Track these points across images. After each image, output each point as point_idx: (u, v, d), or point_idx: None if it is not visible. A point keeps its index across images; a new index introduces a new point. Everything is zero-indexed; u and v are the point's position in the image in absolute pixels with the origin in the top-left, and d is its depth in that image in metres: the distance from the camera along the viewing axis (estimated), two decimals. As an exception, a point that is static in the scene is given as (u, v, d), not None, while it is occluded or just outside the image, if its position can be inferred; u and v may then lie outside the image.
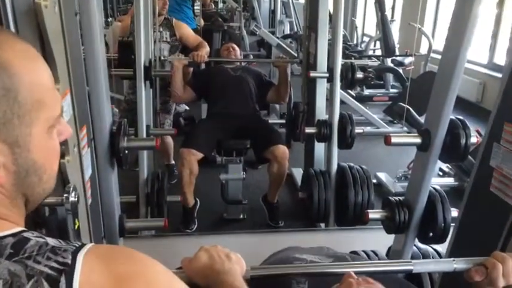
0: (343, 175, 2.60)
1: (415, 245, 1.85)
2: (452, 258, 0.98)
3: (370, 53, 6.20)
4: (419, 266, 1.06)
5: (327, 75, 2.70)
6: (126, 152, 1.91)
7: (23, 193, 0.57)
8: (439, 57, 1.65)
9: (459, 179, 3.39)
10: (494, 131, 1.33)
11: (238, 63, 3.36)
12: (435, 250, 1.90)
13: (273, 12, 8.28)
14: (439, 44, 3.37)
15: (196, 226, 2.90)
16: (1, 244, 0.50)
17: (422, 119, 2.63)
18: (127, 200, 2.49)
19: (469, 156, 1.79)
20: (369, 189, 2.55)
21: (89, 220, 1.30)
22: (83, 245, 0.53)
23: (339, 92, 2.67)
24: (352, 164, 2.67)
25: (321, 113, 2.98)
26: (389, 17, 5.90)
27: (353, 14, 9.13)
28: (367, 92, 5.40)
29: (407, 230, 1.75)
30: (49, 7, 0.97)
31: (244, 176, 2.95)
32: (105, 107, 1.77)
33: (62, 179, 1.08)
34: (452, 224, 1.65)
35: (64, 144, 1.07)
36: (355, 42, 7.78)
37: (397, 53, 5.68)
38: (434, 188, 1.75)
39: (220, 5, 8.92)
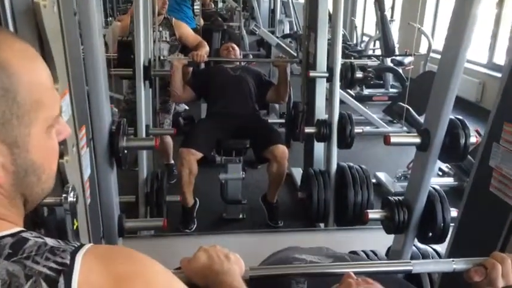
0: (343, 175, 2.60)
1: (414, 245, 1.85)
2: (451, 259, 0.98)
3: (370, 52, 6.20)
4: (419, 267, 1.06)
5: (327, 74, 2.70)
6: (126, 151, 1.90)
7: (22, 193, 0.57)
8: (439, 57, 1.65)
9: (459, 179, 3.39)
10: (493, 130, 1.33)
11: (238, 63, 3.36)
12: (435, 250, 1.90)
13: (272, 11, 8.28)
14: (439, 43, 3.38)
15: (195, 226, 2.90)
16: (0, 244, 0.50)
17: (421, 119, 2.63)
18: (126, 199, 2.49)
19: (469, 156, 1.79)
20: (369, 189, 2.55)
21: (88, 220, 1.30)
22: (81, 245, 0.53)
23: (338, 92, 2.67)
24: (351, 164, 2.67)
25: (320, 112, 2.98)
26: (388, 17, 5.89)
27: (352, 14, 9.12)
28: (366, 91, 5.40)
29: (407, 230, 1.75)
30: (48, 7, 0.97)
31: (243, 175, 2.95)
32: (104, 106, 1.77)
33: (61, 179, 1.08)
34: (451, 224, 1.65)
35: (63, 144, 1.07)
36: (354, 41, 7.77)
37: (397, 52, 5.68)
38: (433, 188, 1.75)
39: (220, 5, 8.93)
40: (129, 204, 2.51)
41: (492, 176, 1.31)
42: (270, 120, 3.90)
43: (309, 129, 2.73)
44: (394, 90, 5.50)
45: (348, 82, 2.66)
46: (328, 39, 2.84)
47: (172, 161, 3.52)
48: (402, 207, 1.74)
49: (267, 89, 3.14)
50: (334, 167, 2.66)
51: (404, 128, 3.85)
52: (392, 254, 1.90)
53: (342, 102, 3.21)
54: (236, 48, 3.44)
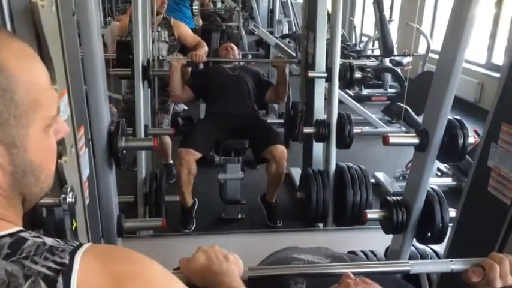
0: (342, 175, 2.60)
1: (413, 245, 1.85)
2: (449, 259, 0.98)
3: (369, 52, 6.20)
4: (417, 267, 1.06)
5: (325, 75, 2.70)
6: (124, 152, 1.90)
7: (20, 193, 0.56)
8: (437, 57, 1.65)
9: (457, 179, 3.40)
10: (492, 131, 1.33)
11: (237, 63, 3.36)
12: (433, 250, 1.90)
13: (271, 11, 8.28)
14: (438, 44, 3.38)
15: (194, 226, 2.90)
16: None
17: (420, 119, 2.63)
18: (125, 200, 2.49)
19: (467, 156, 1.80)
20: (367, 189, 2.55)
21: (87, 220, 1.30)
22: (80, 245, 0.52)
23: (337, 92, 2.67)
24: (350, 164, 2.67)
25: (319, 112, 2.99)
26: (387, 17, 5.90)
27: (351, 14, 9.13)
28: (365, 91, 5.41)
29: (406, 230, 1.75)
30: (46, 7, 0.97)
31: (242, 175, 2.95)
32: (103, 106, 1.77)
33: (59, 180, 1.08)
34: (450, 224, 1.65)
35: (61, 144, 1.07)
36: (353, 42, 7.78)
37: (396, 53, 5.69)
38: (432, 188, 1.75)
39: (219, 5, 8.93)
40: (128, 204, 2.51)
41: (490, 176, 1.31)
42: (269, 121, 3.90)
43: (307, 130, 2.73)
44: (393, 91, 5.51)
45: (347, 82, 2.67)
46: (327, 40, 2.84)
47: (171, 161, 3.52)
48: (401, 207, 1.74)
49: (266, 89, 3.14)
50: (333, 167, 2.67)
51: (403, 128, 3.85)
52: (390, 254, 1.90)
53: (340, 102, 3.21)
54: (235, 48, 3.44)
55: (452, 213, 1.69)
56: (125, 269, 0.52)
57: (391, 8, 7.38)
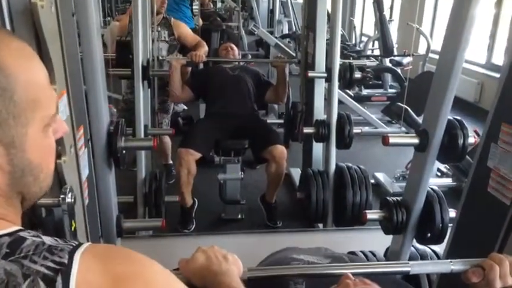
0: (341, 175, 2.60)
1: (413, 246, 1.85)
2: (449, 260, 0.98)
3: (369, 53, 6.20)
4: (417, 268, 1.06)
5: (325, 75, 2.70)
6: (124, 152, 1.90)
7: (19, 192, 0.56)
8: (437, 57, 1.65)
9: (457, 180, 3.40)
10: (491, 131, 1.33)
11: (237, 63, 3.36)
12: (433, 251, 1.90)
13: (271, 12, 8.28)
14: (438, 44, 3.38)
15: (194, 226, 2.90)
16: None
17: (420, 119, 2.63)
18: (125, 200, 2.49)
19: (467, 157, 1.79)
20: (367, 189, 2.55)
21: (86, 221, 1.30)
22: (80, 244, 0.52)
23: (337, 92, 2.67)
24: (350, 164, 2.67)
25: (319, 113, 2.99)
26: (387, 17, 5.90)
27: (351, 14, 9.13)
28: (365, 92, 5.41)
29: (405, 231, 1.75)
30: (45, 7, 0.96)
31: (242, 176, 2.95)
32: (102, 106, 1.76)
33: (59, 180, 1.08)
34: (450, 225, 1.65)
35: (61, 144, 1.07)
36: (353, 42, 7.78)
37: (396, 53, 5.69)
38: (432, 189, 1.75)
39: (219, 5, 8.93)
40: (127, 205, 2.51)
41: (490, 176, 1.31)
42: (268, 121, 3.90)
43: (307, 130, 2.73)
44: (393, 91, 5.51)
45: (347, 82, 2.66)
46: (327, 40, 2.84)
47: (171, 161, 3.52)
48: (401, 207, 1.74)
49: (266, 89, 3.14)
50: (332, 167, 2.66)
51: (403, 129, 3.85)
52: (390, 254, 1.90)
53: (340, 102, 3.21)
54: (235, 48, 3.44)
55: (452, 213, 1.69)
56: (124, 268, 0.52)
57: (391, 8, 7.38)
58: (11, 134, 0.52)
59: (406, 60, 5.53)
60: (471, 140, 1.58)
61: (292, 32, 6.27)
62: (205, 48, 3.38)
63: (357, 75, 2.65)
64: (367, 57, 5.79)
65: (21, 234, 0.52)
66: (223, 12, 8.07)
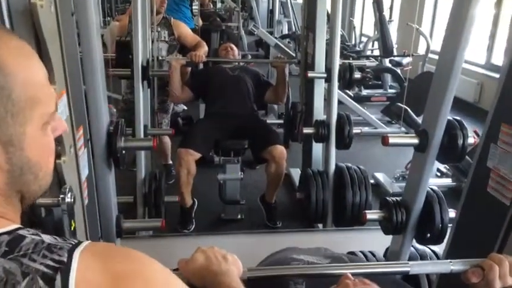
0: (341, 175, 2.60)
1: (412, 246, 1.85)
2: (449, 260, 0.98)
3: (368, 53, 6.20)
4: (416, 268, 1.06)
5: (325, 75, 2.70)
6: (124, 152, 1.90)
7: (18, 190, 0.56)
8: (437, 57, 1.65)
9: (457, 180, 3.40)
10: (491, 131, 1.33)
11: (236, 63, 3.36)
12: (433, 251, 1.90)
13: (271, 12, 8.29)
14: (437, 44, 3.39)
15: (194, 226, 2.90)
16: None
17: (420, 120, 2.63)
18: (124, 200, 2.48)
19: (467, 157, 1.79)
20: (367, 189, 2.55)
21: (86, 221, 1.30)
22: (79, 243, 0.52)
23: (336, 92, 2.67)
24: (350, 165, 2.67)
25: (318, 113, 2.99)
26: (387, 17, 5.90)
27: (351, 14, 9.13)
28: (365, 92, 5.41)
29: (405, 231, 1.75)
30: (45, 7, 0.96)
31: (242, 176, 2.95)
32: (102, 107, 1.76)
33: (58, 180, 1.08)
34: (449, 225, 1.65)
35: (60, 144, 1.07)
36: (353, 42, 7.79)
37: (395, 53, 5.69)
38: (431, 189, 1.75)
39: (219, 5, 8.92)
40: (127, 205, 2.51)
41: (490, 176, 1.31)
42: (268, 121, 3.89)
43: (307, 130, 2.73)
44: (393, 91, 5.51)
45: (346, 83, 2.66)
46: (327, 40, 2.84)
47: (171, 162, 3.51)
48: (400, 207, 1.74)
49: (266, 90, 3.14)
50: (332, 167, 2.66)
51: (403, 129, 3.85)
52: (390, 254, 1.90)
53: (340, 102, 3.21)
54: (235, 48, 3.44)
55: (451, 213, 1.69)
56: (123, 267, 0.51)
57: (391, 8, 7.38)
58: (9, 132, 0.52)
59: (405, 60, 5.53)
60: (471, 140, 1.58)
61: (292, 32, 6.27)
62: (205, 48, 3.38)
63: (357, 75, 2.65)
64: (367, 57, 5.79)
65: (21, 232, 0.52)
66: (223, 12, 8.07)
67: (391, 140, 1.66)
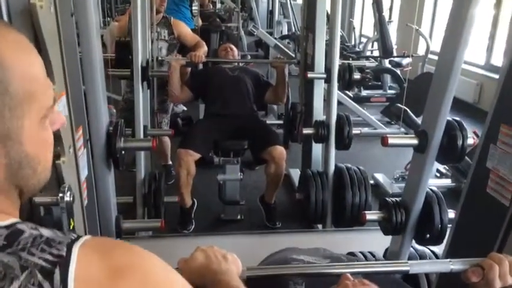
0: (341, 176, 2.60)
1: (412, 246, 1.85)
2: (449, 259, 0.98)
3: (368, 54, 6.20)
4: (416, 267, 1.06)
5: (325, 76, 2.70)
6: (123, 152, 1.90)
7: (17, 185, 0.56)
8: (437, 58, 1.65)
9: (456, 180, 3.40)
10: (490, 132, 1.33)
11: (236, 64, 3.36)
12: (432, 251, 1.90)
13: (271, 12, 8.30)
14: (437, 45, 3.39)
15: (193, 227, 2.90)
16: None
17: (419, 120, 2.63)
18: (124, 200, 2.49)
19: (466, 158, 1.79)
20: (366, 190, 2.55)
21: (85, 221, 1.30)
22: (78, 237, 0.52)
23: (336, 93, 2.67)
24: (349, 165, 2.67)
25: (318, 113, 2.99)
26: (387, 18, 5.91)
27: (351, 15, 9.14)
28: (364, 93, 5.42)
29: (404, 231, 1.75)
30: (44, 7, 0.96)
31: (241, 176, 2.95)
32: (101, 107, 1.76)
33: (58, 180, 1.08)
34: (449, 225, 1.65)
35: (59, 145, 1.07)
36: (352, 43, 7.79)
37: (395, 54, 5.69)
38: (431, 189, 1.75)
39: (218, 5, 8.92)
40: (126, 205, 2.51)
41: (489, 177, 1.31)
42: (268, 121, 3.89)
43: (307, 130, 2.73)
44: (392, 92, 5.52)
45: (346, 83, 2.67)
46: (326, 40, 2.84)
47: (170, 162, 3.51)
48: (400, 208, 1.73)
49: (265, 90, 3.14)
50: (332, 168, 2.66)
51: (402, 129, 3.86)
52: (389, 255, 1.90)
53: (339, 103, 3.21)
54: (234, 49, 3.44)
55: (451, 214, 1.69)
56: (123, 260, 0.51)
57: (391, 9, 7.40)
58: (6, 126, 0.52)
59: (405, 61, 5.53)
60: (470, 141, 1.58)
61: (292, 33, 6.27)
62: (205, 48, 3.38)
63: (356, 76, 2.65)
64: (367, 58, 5.79)
65: (19, 226, 0.51)
66: (222, 13, 8.07)
67: (391, 141, 1.66)
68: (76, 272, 0.48)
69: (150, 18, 2.84)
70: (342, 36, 6.06)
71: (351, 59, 4.98)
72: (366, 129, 4.02)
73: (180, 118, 3.77)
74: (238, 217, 3.03)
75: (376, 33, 5.81)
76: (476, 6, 1.43)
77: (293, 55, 3.74)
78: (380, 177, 3.56)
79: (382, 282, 0.93)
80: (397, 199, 1.79)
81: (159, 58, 3.13)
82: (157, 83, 3.08)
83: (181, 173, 2.77)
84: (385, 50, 5.47)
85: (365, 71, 3.00)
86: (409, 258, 1.82)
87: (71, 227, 1.11)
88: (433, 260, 1.77)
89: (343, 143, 2.63)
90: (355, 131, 2.68)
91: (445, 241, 1.64)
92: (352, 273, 0.93)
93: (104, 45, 2.93)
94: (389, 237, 1.88)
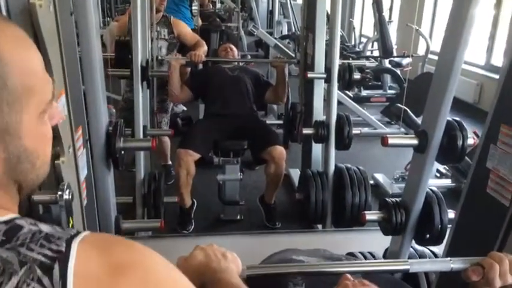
0: (341, 176, 2.60)
1: (412, 247, 1.85)
2: (449, 258, 0.98)
3: (368, 53, 6.20)
4: (416, 266, 1.06)
5: (325, 76, 2.70)
6: (123, 152, 1.90)
7: (16, 180, 0.55)
8: (437, 58, 1.65)
9: (456, 181, 3.40)
10: (490, 132, 1.32)
11: (236, 63, 3.36)
12: (432, 252, 1.90)
13: (271, 12, 8.30)
14: (437, 45, 3.39)
15: (193, 227, 2.90)
16: None
17: (419, 120, 2.63)
18: (123, 200, 2.49)
19: (466, 158, 1.79)
20: (366, 190, 2.55)
21: (85, 221, 1.29)
22: (78, 233, 0.51)
23: (336, 93, 2.67)
24: (349, 165, 2.67)
25: (318, 113, 2.98)
26: (387, 18, 5.91)
27: (351, 15, 9.14)
28: (364, 93, 5.42)
29: (404, 232, 1.75)
30: (44, 6, 0.96)
31: (241, 176, 2.95)
32: (101, 107, 1.76)
33: (57, 180, 1.08)
34: (449, 226, 1.65)
35: (59, 145, 1.07)
36: (352, 43, 7.79)
37: (395, 54, 5.69)
38: (431, 190, 1.75)
39: (218, 5, 8.92)
40: (126, 205, 2.51)
41: (489, 177, 1.31)
42: (268, 121, 3.89)
43: (306, 131, 2.73)
44: (392, 92, 5.52)
45: (346, 83, 2.66)
46: (326, 40, 2.84)
47: (170, 162, 3.51)
48: (400, 208, 1.73)
49: (265, 90, 3.14)
50: (332, 168, 2.66)
51: (402, 129, 3.86)
52: (389, 255, 1.89)
53: (339, 103, 3.21)
54: (234, 49, 3.44)
55: (451, 214, 1.68)
56: (124, 257, 0.51)
57: (391, 9, 7.39)
58: (5, 120, 0.51)
59: (405, 61, 5.53)
60: (470, 141, 1.58)
61: (292, 33, 6.27)
62: (205, 47, 3.37)
63: (356, 76, 2.65)
64: (367, 58, 5.79)
65: (18, 222, 0.51)
66: (222, 12, 8.07)
67: (391, 141, 1.66)
68: (75, 268, 0.47)
69: (150, 17, 2.84)
70: (342, 36, 6.05)
71: (351, 59, 4.99)
72: (365, 129, 4.02)
73: (179, 118, 3.77)
74: (238, 217, 3.03)
75: (376, 33, 5.81)
76: (476, 6, 1.43)
77: (293, 55, 3.74)
78: (380, 177, 3.56)
79: (382, 282, 0.93)
80: (397, 199, 1.79)
81: (159, 57, 3.13)
82: (157, 82, 3.08)
83: (181, 173, 2.76)
84: (385, 50, 5.47)
85: (365, 71, 3.00)
86: (409, 258, 1.82)
87: (70, 226, 1.10)
88: (434, 259, 1.77)
89: (343, 143, 2.62)
90: (355, 131, 2.67)
91: (444, 241, 1.64)
92: (353, 272, 0.92)
93: (103, 45, 2.92)
94: (389, 238, 1.88)
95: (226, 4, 7.82)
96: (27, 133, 0.54)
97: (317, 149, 3.05)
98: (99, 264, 0.49)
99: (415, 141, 1.64)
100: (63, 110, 1.10)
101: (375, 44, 6.10)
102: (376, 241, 1.98)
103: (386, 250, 1.95)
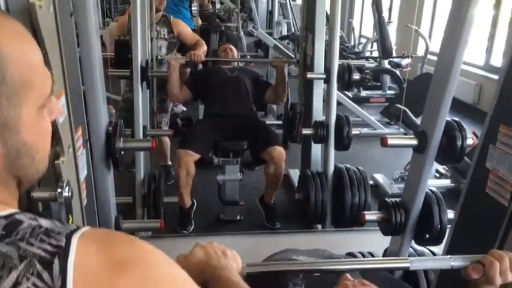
0: (340, 176, 2.60)
1: (411, 247, 1.85)
2: (449, 256, 0.98)
3: (367, 54, 6.21)
4: (416, 263, 1.06)
5: (324, 76, 2.70)
6: (123, 152, 1.90)
7: (15, 175, 0.56)
8: (436, 58, 1.66)
9: (455, 181, 3.40)
10: (490, 132, 1.33)
11: (236, 64, 3.36)
12: (431, 252, 1.90)
13: (270, 13, 8.30)
14: (436, 45, 3.40)
15: (193, 227, 2.90)
16: None
17: (419, 121, 2.63)
18: (123, 201, 2.48)
19: (466, 158, 1.79)
20: (366, 190, 2.55)
21: (84, 221, 1.29)
22: (78, 228, 0.51)
23: (335, 93, 2.67)
24: (349, 166, 2.67)
25: (317, 114, 2.99)
26: (386, 19, 5.91)
27: (350, 16, 9.15)
28: (364, 93, 5.42)
29: (404, 232, 1.75)
30: (43, 7, 0.96)
31: (241, 177, 2.95)
32: (101, 107, 1.76)
33: (57, 180, 1.08)
34: (448, 226, 1.65)
35: (59, 145, 1.07)
36: (352, 43, 7.80)
37: (394, 54, 5.70)
38: (430, 190, 1.75)
39: (218, 6, 8.93)
40: (126, 206, 2.51)
41: (488, 177, 1.31)
42: (267, 122, 3.89)
43: (306, 131, 2.73)
44: (392, 92, 5.52)
45: (345, 84, 2.67)
46: (326, 41, 2.84)
47: (170, 162, 3.51)
48: (399, 208, 1.74)
49: (265, 90, 3.14)
50: (331, 168, 2.66)
51: (402, 130, 3.86)
52: (389, 255, 1.89)
53: (339, 103, 3.21)
54: (234, 49, 3.44)
55: (450, 214, 1.69)
56: (124, 252, 0.50)
57: (390, 9, 7.40)
58: (3, 115, 0.51)
59: (404, 61, 5.54)
60: (469, 141, 1.58)
61: (291, 34, 6.26)
62: (204, 47, 3.37)
63: (356, 76, 2.65)
64: (366, 58, 5.79)
65: (18, 216, 0.51)
66: (222, 13, 8.07)
67: (390, 141, 1.66)
68: (75, 263, 0.47)
69: (149, 17, 2.84)
70: (341, 37, 6.07)
71: (350, 60, 4.99)
72: (365, 130, 4.03)
73: (179, 118, 3.77)
74: (238, 217, 3.03)
75: (375, 34, 5.81)
76: (475, 6, 1.43)
77: (292, 56, 3.74)
78: (379, 177, 3.57)
79: (382, 282, 0.93)
80: (397, 199, 1.79)
81: (159, 57, 3.13)
82: (157, 82, 3.08)
83: (180, 174, 2.76)
84: (385, 51, 5.48)
85: (364, 72, 3.00)
86: (409, 259, 1.82)
87: (70, 223, 1.10)
88: (434, 257, 1.77)
89: (343, 143, 2.63)
90: (355, 131, 2.68)
91: (444, 241, 1.64)
92: (353, 270, 0.92)
93: (103, 45, 2.93)
94: (389, 238, 1.88)
95: (226, 5, 7.82)
96: (27, 127, 0.54)
97: (316, 149, 3.05)
98: (100, 259, 0.48)
99: (414, 142, 1.64)
100: (63, 110, 1.10)
101: (375, 44, 6.10)
102: (376, 241, 1.98)
103: (385, 250, 1.95)
